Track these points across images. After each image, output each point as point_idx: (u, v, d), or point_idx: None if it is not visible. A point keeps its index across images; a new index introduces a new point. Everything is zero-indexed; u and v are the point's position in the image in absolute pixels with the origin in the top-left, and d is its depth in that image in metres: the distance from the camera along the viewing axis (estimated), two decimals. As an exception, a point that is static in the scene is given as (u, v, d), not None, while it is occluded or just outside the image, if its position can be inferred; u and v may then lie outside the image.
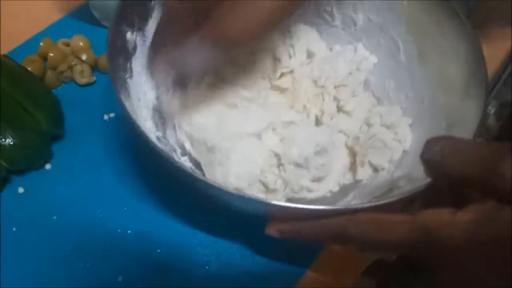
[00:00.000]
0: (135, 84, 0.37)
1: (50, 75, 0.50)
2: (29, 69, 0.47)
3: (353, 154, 0.42)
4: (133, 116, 0.31)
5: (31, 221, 0.41)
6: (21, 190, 0.42)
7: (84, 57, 0.50)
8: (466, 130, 0.35)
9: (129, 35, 0.37)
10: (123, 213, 0.42)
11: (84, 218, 0.41)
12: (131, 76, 0.37)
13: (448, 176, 0.26)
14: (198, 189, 0.32)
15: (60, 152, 0.45)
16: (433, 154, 0.26)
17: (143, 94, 0.39)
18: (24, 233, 0.40)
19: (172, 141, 0.41)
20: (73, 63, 0.50)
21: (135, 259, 0.39)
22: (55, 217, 0.41)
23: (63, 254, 0.39)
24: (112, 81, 0.32)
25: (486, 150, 0.25)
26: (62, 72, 0.50)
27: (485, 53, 0.37)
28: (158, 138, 0.38)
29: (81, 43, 0.51)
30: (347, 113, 0.44)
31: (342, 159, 0.41)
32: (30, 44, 0.52)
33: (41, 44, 0.50)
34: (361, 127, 0.43)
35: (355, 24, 0.47)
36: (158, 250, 0.40)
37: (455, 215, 0.24)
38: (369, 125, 0.42)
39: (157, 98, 0.41)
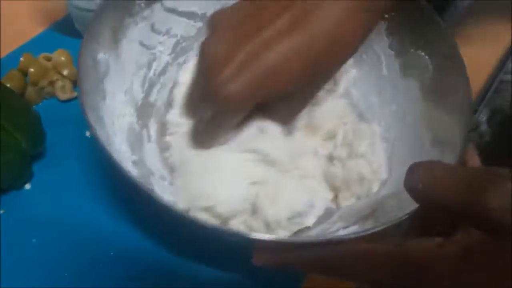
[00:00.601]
0: (108, 106, 0.36)
1: (30, 91, 0.48)
2: (9, 85, 0.46)
3: (334, 188, 0.41)
4: (107, 145, 0.30)
5: (10, 244, 0.40)
6: (0, 211, 0.42)
7: (65, 72, 0.49)
8: (451, 147, 0.35)
9: (100, 55, 0.36)
10: (106, 235, 0.41)
11: (65, 240, 0.40)
12: (103, 99, 0.36)
13: (431, 204, 0.26)
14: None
15: (41, 171, 0.44)
16: (414, 182, 0.25)
17: (117, 117, 0.38)
18: (2, 256, 0.39)
19: (149, 162, 0.40)
20: (54, 78, 0.49)
21: (117, 281, 0.38)
22: (34, 240, 0.40)
23: (43, 278, 0.38)
24: (82, 107, 0.31)
25: (468, 178, 0.23)
26: (43, 88, 0.49)
27: (476, 60, 0.36)
28: (134, 162, 0.37)
29: (62, 58, 0.50)
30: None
31: (323, 198, 0.40)
32: (10, 59, 0.51)
33: (22, 59, 0.49)
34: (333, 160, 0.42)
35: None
36: (141, 273, 0.39)
37: (441, 249, 0.24)
38: (340, 159, 0.41)
39: (135, 116, 0.41)
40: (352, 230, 0.36)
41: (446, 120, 0.37)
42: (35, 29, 0.55)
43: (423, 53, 0.40)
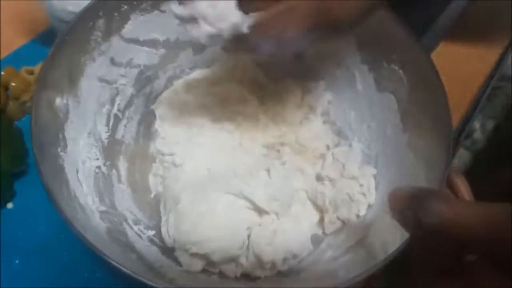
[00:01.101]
0: (70, 155, 0.34)
1: (12, 106, 0.46)
2: None
3: (319, 209, 0.40)
4: (66, 204, 0.27)
5: None
6: None
7: None
8: (436, 163, 0.34)
9: (58, 100, 0.34)
10: (91, 256, 0.38)
11: (49, 261, 0.38)
12: (64, 148, 0.33)
13: (444, 238, 0.24)
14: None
15: (23, 189, 0.42)
16: (431, 216, 0.24)
17: (82, 163, 0.35)
18: None
19: (121, 206, 0.38)
20: None
21: None
22: (17, 261, 0.38)
23: None
24: (40, 173, 0.29)
25: (492, 215, 0.23)
26: (25, 103, 0.47)
27: (469, 66, 0.35)
28: (102, 213, 0.34)
29: None
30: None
31: (309, 218, 0.39)
32: None
33: (2, 73, 0.47)
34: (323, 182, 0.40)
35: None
36: None
37: None
38: (330, 179, 0.40)
39: (102, 157, 0.39)
40: (345, 260, 0.34)
41: (427, 134, 0.36)
42: (16, 42, 0.53)
43: (396, 67, 0.38)
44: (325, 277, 0.34)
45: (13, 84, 0.46)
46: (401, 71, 0.38)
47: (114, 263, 0.26)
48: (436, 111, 0.35)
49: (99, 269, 0.38)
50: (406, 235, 0.28)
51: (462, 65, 0.36)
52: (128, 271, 0.26)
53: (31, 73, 0.48)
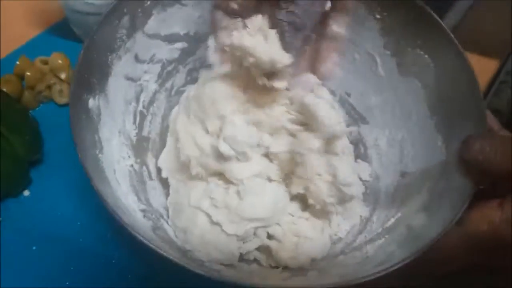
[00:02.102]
0: (106, 156, 0.34)
1: (27, 95, 0.47)
2: (5, 89, 0.44)
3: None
4: (116, 207, 0.27)
5: (9, 252, 0.38)
6: None
7: (63, 75, 0.48)
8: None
9: (91, 102, 0.33)
10: (107, 241, 0.39)
11: (66, 247, 0.39)
12: (101, 149, 0.33)
13: (490, 174, 0.28)
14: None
15: (39, 177, 0.43)
16: (474, 153, 0.28)
17: (117, 163, 0.35)
18: (2, 265, 0.37)
19: (155, 203, 0.38)
20: (51, 82, 0.48)
21: None
22: (34, 248, 0.39)
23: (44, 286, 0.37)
24: (92, 181, 0.28)
25: None
26: (40, 92, 0.48)
27: (477, 64, 0.35)
28: (143, 211, 0.34)
29: (60, 61, 0.49)
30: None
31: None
32: (6, 63, 0.50)
33: (18, 62, 0.48)
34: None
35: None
36: (144, 281, 0.38)
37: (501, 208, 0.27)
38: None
39: (133, 156, 0.38)
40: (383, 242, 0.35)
41: (458, 117, 0.36)
42: (31, 32, 0.54)
43: (421, 52, 0.38)
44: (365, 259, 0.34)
45: (28, 73, 0.47)
46: (426, 56, 0.38)
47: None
48: (467, 93, 0.35)
49: (114, 255, 0.39)
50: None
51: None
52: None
53: (46, 63, 0.49)
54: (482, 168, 0.28)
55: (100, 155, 0.33)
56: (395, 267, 0.28)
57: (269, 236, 0.37)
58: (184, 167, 0.38)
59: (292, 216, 0.38)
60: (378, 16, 0.40)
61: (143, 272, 0.38)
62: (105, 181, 0.31)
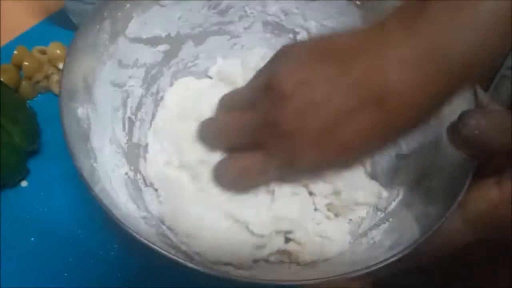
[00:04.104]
0: (101, 165, 0.32)
1: (25, 85, 0.47)
2: (2, 79, 0.44)
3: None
4: (118, 215, 0.26)
5: (7, 243, 0.38)
6: None
7: (61, 65, 0.47)
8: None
9: (80, 111, 0.32)
10: (106, 232, 0.39)
11: (64, 239, 0.39)
12: (95, 158, 0.32)
13: (486, 149, 0.28)
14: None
15: (37, 168, 0.43)
16: (471, 129, 0.27)
17: (112, 172, 0.34)
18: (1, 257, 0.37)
19: (154, 211, 0.37)
20: (50, 72, 0.47)
21: (119, 282, 0.37)
22: (32, 239, 0.39)
23: (42, 279, 0.36)
24: (91, 192, 0.27)
25: None
26: (38, 82, 0.47)
27: None
28: (143, 218, 0.33)
29: (58, 51, 0.48)
30: None
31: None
32: (3, 53, 0.49)
33: (15, 52, 0.47)
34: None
35: (309, 33, 0.44)
36: (143, 273, 0.38)
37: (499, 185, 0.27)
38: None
39: (126, 163, 0.37)
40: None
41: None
42: (29, 22, 0.53)
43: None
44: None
45: (25, 63, 0.47)
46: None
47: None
48: None
49: (113, 247, 0.39)
50: None
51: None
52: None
53: (44, 53, 0.48)
54: (478, 143, 0.28)
55: (95, 164, 0.32)
56: (406, 252, 0.27)
57: (287, 240, 0.36)
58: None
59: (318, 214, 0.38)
60: (358, 3, 0.40)
61: (142, 263, 0.38)
62: (103, 192, 0.30)
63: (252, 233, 0.34)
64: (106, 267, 0.37)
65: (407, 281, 0.35)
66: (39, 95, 0.48)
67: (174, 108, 0.42)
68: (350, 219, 0.39)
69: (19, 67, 0.47)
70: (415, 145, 0.38)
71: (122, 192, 0.34)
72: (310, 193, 0.38)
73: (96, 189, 0.27)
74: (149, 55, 0.41)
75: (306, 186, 0.37)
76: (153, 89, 0.43)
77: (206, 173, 0.35)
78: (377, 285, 0.35)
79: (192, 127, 0.37)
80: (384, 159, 0.40)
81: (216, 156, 0.35)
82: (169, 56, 0.43)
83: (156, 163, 0.39)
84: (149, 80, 0.42)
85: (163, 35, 0.41)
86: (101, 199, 0.27)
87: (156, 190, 0.39)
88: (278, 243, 0.35)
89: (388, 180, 0.39)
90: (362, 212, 0.39)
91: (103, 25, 0.35)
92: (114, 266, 0.38)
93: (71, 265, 0.37)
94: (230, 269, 0.33)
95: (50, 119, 0.44)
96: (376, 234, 0.35)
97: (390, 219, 0.35)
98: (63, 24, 0.52)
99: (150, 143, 0.41)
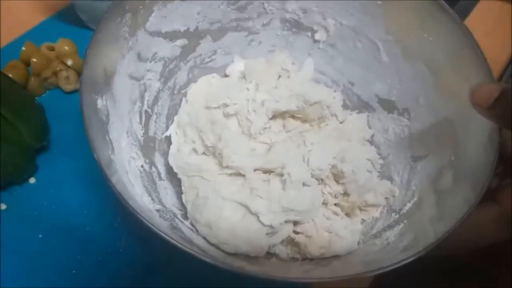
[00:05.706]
0: (118, 157, 0.33)
1: (33, 82, 0.46)
2: (11, 75, 0.43)
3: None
4: (135, 206, 0.27)
5: (15, 240, 0.37)
6: (3, 206, 0.39)
7: (69, 62, 0.47)
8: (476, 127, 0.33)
9: (99, 102, 0.33)
10: (114, 229, 0.39)
11: (72, 235, 0.38)
12: (113, 150, 0.32)
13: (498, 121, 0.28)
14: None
15: (45, 164, 0.42)
16: (483, 100, 0.27)
17: (128, 164, 0.34)
18: (7, 253, 0.37)
19: (168, 203, 0.37)
20: (58, 68, 0.47)
21: (127, 279, 0.37)
22: (40, 236, 0.38)
23: (51, 276, 0.36)
24: (109, 183, 0.27)
25: None
26: (46, 79, 0.47)
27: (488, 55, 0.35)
28: (158, 211, 0.33)
29: (66, 47, 0.48)
30: None
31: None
32: (11, 49, 0.49)
33: (23, 48, 0.47)
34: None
35: (327, 31, 0.44)
36: (151, 270, 0.37)
37: None
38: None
39: (142, 156, 0.38)
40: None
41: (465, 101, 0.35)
42: (37, 18, 0.53)
43: (425, 35, 0.38)
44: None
45: (34, 59, 0.46)
46: (431, 39, 0.38)
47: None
48: (477, 75, 0.35)
49: (122, 243, 0.39)
50: None
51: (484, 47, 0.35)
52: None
53: (52, 49, 0.48)
54: (489, 116, 0.28)
55: (112, 156, 0.32)
56: (421, 254, 0.27)
57: (295, 231, 0.37)
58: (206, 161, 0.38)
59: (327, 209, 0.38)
60: (379, 3, 0.40)
61: (150, 260, 0.38)
62: (121, 183, 0.30)
63: (263, 224, 0.34)
64: (114, 265, 0.37)
65: (413, 285, 0.35)
66: (48, 91, 0.48)
67: (199, 101, 0.42)
68: (363, 219, 0.39)
69: (27, 63, 0.47)
70: (432, 148, 0.38)
71: (138, 185, 0.34)
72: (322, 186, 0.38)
73: (113, 180, 0.28)
74: (167, 49, 0.41)
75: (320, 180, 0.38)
76: (170, 83, 0.43)
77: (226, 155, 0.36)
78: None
79: (216, 114, 0.38)
80: (400, 161, 0.40)
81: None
82: (187, 50, 0.43)
83: (180, 153, 0.40)
84: (166, 74, 0.42)
85: (182, 29, 0.41)
86: (119, 191, 0.27)
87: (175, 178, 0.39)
88: (288, 230, 0.36)
89: (404, 182, 0.39)
90: (376, 213, 0.39)
91: (124, 18, 0.35)
92: (122, 263, 0.37)
93: (79, 262, 0.37)
94: (244, 264, 0.33)
95: (59, 116, 0.44)
96: (390, 235, 0.35)
97: (405, 221, 0.35)
98: (71, 21, 0.52)
99: (173, 136, 0.41)
